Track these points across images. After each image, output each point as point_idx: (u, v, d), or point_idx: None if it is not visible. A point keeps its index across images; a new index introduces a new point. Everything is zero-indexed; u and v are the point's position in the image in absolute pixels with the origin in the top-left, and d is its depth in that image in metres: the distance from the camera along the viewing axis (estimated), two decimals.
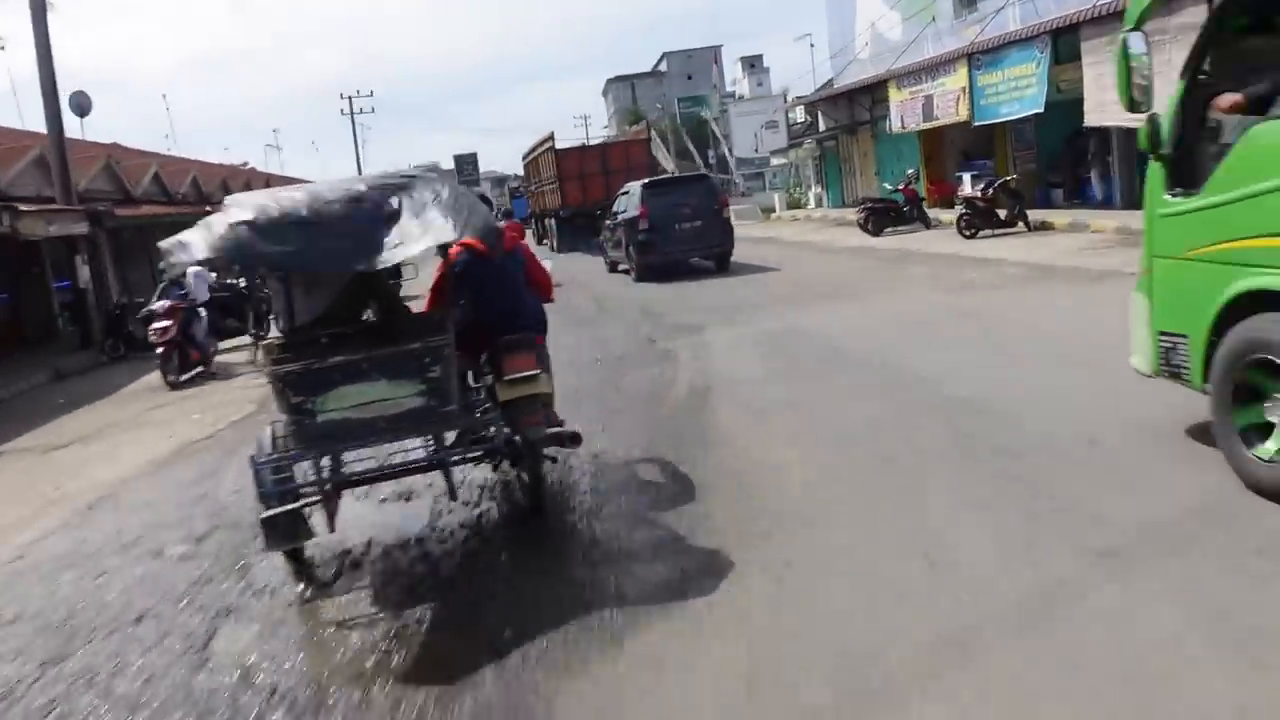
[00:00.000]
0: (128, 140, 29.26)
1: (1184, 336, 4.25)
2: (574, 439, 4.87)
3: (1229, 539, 3.53)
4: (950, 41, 22.10)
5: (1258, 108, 3.83)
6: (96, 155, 22.07)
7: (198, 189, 27.59)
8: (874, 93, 25.67)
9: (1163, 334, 4.42)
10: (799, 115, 38.46)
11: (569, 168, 26.76)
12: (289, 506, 4.09)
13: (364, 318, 5.09)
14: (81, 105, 23.27)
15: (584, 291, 15.59)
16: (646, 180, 17.76)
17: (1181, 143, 4.21)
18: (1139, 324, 4.64)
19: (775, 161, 41.08)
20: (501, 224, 19.76)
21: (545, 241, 30.03)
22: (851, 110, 28.72)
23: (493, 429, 4.61)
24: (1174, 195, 4.26)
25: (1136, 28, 4.37)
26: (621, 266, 17.78)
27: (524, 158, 35.82)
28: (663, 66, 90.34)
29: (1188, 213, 4.15)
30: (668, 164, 46.71)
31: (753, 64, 77.29)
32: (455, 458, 4.59)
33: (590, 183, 26.20)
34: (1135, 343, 4.71)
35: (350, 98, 55.31)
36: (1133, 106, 4.31)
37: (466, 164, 70.08)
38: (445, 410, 4.26)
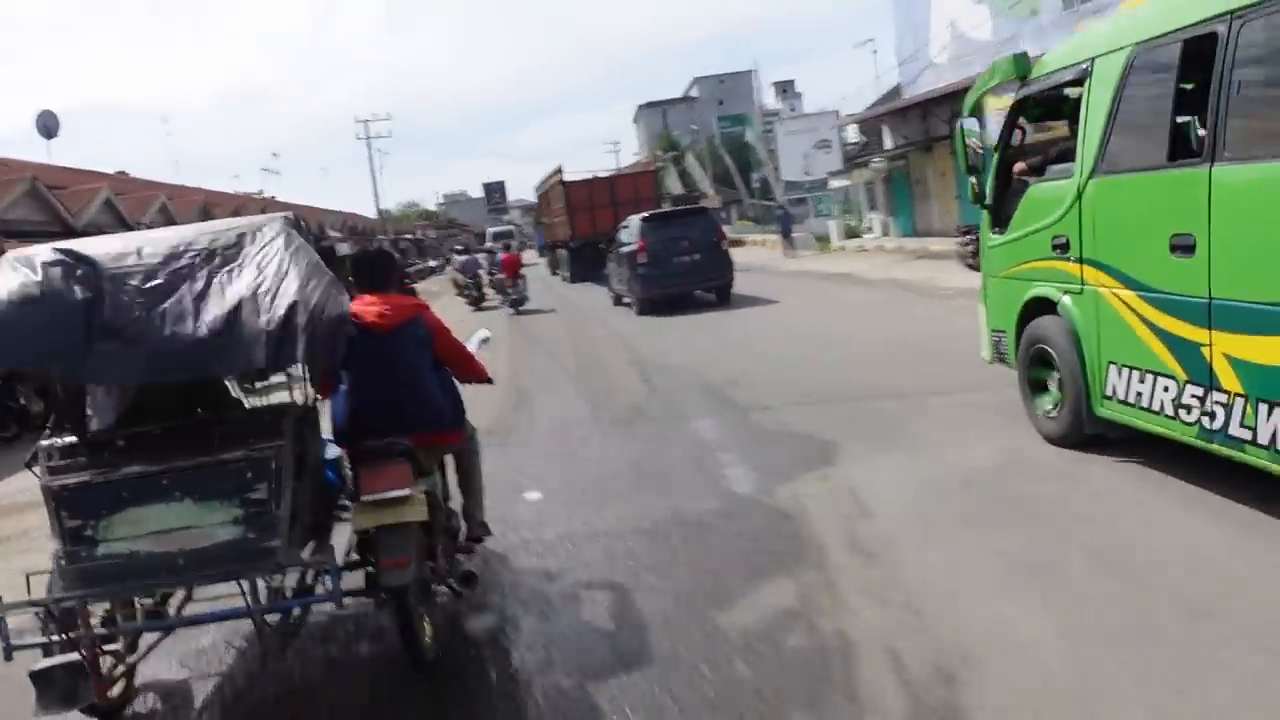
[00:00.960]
0: (136, 170, 29.68)
1: (1004, 332, 5.94)
2: (467, 580, 4.01)
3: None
4: (1057, 37, 16.48)
5: (1039, 172, 5.56)
6: (98, 187, 21.60)
7: (206, 219, 27.80)
8: (955, 102, 19.71)
9: (993, 331, 6.12)
10: (850, 135, 35.54)
11: (578, 199, 27.38)
12: (68, 658, 3.14)
13: (196, 411, 3.97)
14: (48, 126, 22.18)
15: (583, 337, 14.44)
16: (646, 214, 17.59)
17: (997, 196, 5.94)
18: (981, 325, 6.34)
19: (834, 184, 35.82)
20: (501, 255, 20.24)
21: (558, 272, 30.62)
22: (925, 124, 24.89)
23: (329, 578, 3.41)
24: (995, 233, 5.98)
25: (971, 114, 6.13)
26: (625, 299, 17.65)
27: (537, 189, 36.37)
28: (694, 92, 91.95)
29: (1000, 245, 5.87)
30: (706, 188, 44.97)
31: (785, 89, 76.73)
32: (274, 612, 3.47)
33: (599, 214, 26.48)
34: (981, 339, 6.40)
35: (366, 121, 53.29)
36: (969, 171, 6.05)
37: (495, 192, 67.92)
38: (267, 546, 3.21)
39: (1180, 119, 4.37)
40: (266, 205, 33.75)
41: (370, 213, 58.07)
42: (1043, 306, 5.44)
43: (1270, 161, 3.67)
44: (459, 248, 36.59)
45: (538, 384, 10.26)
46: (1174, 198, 4.22)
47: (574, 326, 16.32)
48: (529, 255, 36.50)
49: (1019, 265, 5.66)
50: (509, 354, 12.83)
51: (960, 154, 6.03)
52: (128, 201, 22.89)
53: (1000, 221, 5.90)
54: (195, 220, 26.81)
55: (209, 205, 26.59)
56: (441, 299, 22.78)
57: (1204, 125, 4.15)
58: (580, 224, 27.17)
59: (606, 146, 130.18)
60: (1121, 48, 4.64)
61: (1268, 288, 3.72)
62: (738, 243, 29.90)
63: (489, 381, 4.51)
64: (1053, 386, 5.46)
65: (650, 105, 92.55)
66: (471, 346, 4.56)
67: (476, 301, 22.80)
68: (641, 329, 14.33)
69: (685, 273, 16.13)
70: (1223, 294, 3.98)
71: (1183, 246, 4.16)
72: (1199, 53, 4.09)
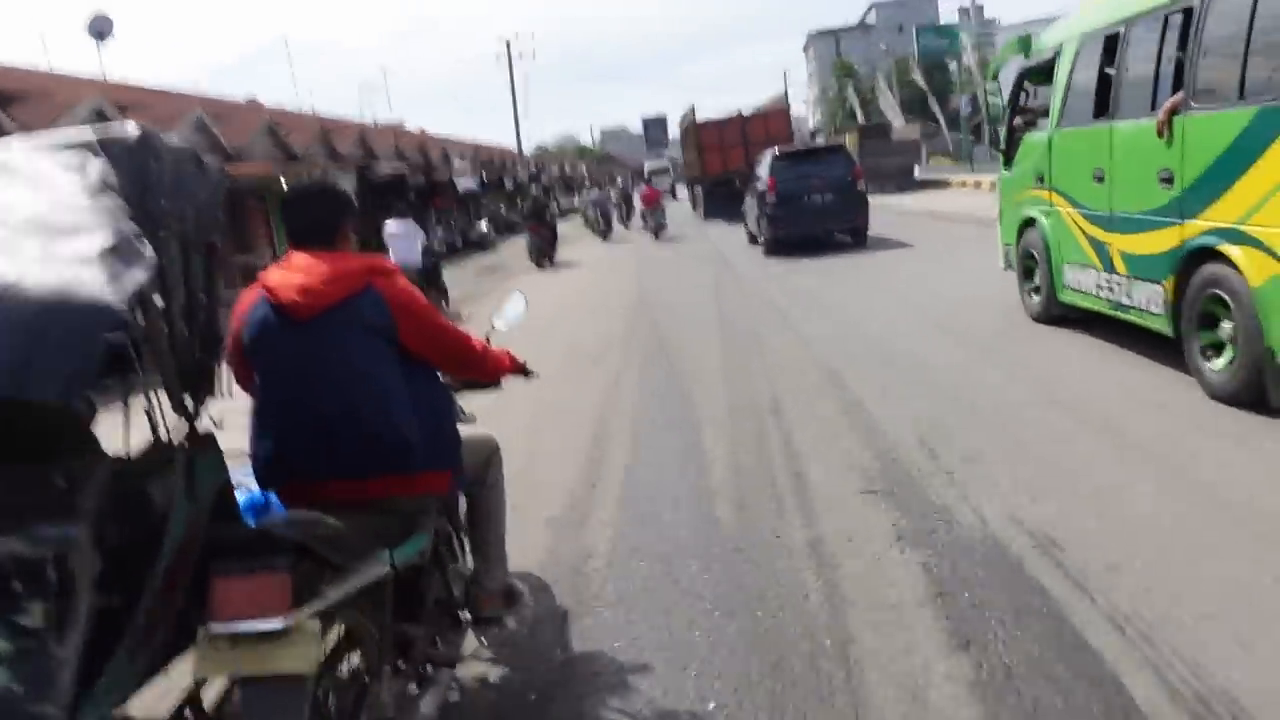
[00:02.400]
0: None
1: (1011, 245, 7.96)
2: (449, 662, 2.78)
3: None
4: None
5: (1032, 125, 7.51)
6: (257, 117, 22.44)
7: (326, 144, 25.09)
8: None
9: (1004, 245, 8.14)
10: None
11: (708, 139, 27.96)
12: None
13: None
14: (100, 30, 21.07)
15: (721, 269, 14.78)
16: (777, 151, 16.90)
17: (1007, 143, 7.92)
18: (998, 242, 8.35)
19: None
20: (639, 190, 22.86)
21: (697, 209, 30.93)
22: None
23: None
24: (1006, 170, 7.97)
25: (993, 79, 8.11)
26: (760, 238, 17.03)
27: (679, 128, 36.86)
28: (871, 18, 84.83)
29: (1008, 179, 7.88)
30: (895, 118, 38.80)
31: (970, 14, 71.60)
32: None
33: (730, 153, 27.00)
34: (998, 254, 8.41)
35: (508, 42, 47.31)
36: (990, 122, 8.05)
37: (654, 127, 61.77)
38: (33, 713, 1.67)
39: (1101, 90, 6.30)
40: (396, 133, 32.66)
41: (523, 147, 52.67)
42: (1030, 224, 7.45)
43: (1142, 120, 5.64)
44: (588, 185, 39.76)
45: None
46: (1095, 144, 6.22)
47: (690, 250, 18.43)
48: (681, 192, 37.89)
49: (1018, 194, 7.66)
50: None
51: (984, 110, 8.01)
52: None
53: (1009, 162, 7.90)
54: (314, 144, 24.59)
55: (328, 130, 25.62)
56: (583, 239, 25.56)
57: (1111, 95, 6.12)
58: (711, 163, 27.89)
59: (774, 75, 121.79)
60: (1074, 36, 6.59)
61: (1138, 203, 5.72)
62: (937, 184, 28.12)
63: (523, 373, 3.00)
64: (1037, 280, 7.49)
65: (823, 33, 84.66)
66: (499, 323, 3.28)
67: (604, 234, 25.71)
68: (752, 261, 16.32)
69: (816, 213, 15.39)
70: (1117, 208, 5.98)
71: (1098, 177, 6.17)
72: (1113, 44, 6.05)
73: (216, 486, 2.08)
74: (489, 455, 3.04)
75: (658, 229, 23.80)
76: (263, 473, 2.49)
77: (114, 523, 1.84)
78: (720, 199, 26.65)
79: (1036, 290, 7.43)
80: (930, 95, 40.46)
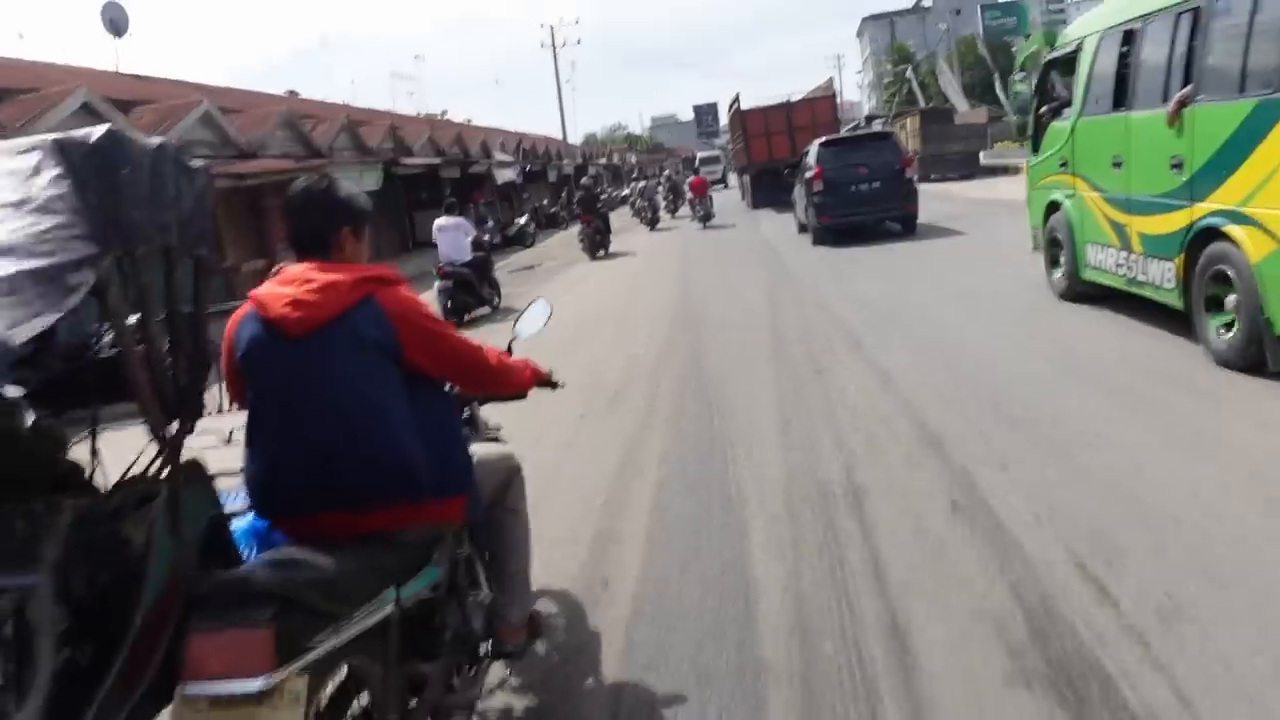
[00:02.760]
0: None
1: (1038, 227, 8.44)
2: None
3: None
4: None
5: (1057, 114, 7.98)
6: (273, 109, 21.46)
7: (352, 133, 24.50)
8: None
9: (1033, 227, 8.62)
10: None
11: (754, 127, 27.53)
12: None
13: None
14: (116, 23, 20.34)
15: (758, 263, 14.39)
16: (824, 139, 16.88)
17: (1034, 130, 8.39)
18: (1027, 225, 8.83)
19: None
20: (689, 179, 24.82)
21: (746, 198, 30.73)
22: None
23: None
24: (1033, 156, 8.45)
25: (1022, 69, 8.58)
26: (808, 227, 16.56)
27: (728, 116, 36.13)
28: (926, 1, 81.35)
29: (1035, 165, 8.36)
30: (959, 102, 36.64)
31: None
32: None
33: (776, 141, 26.68)
34: (1027, 236, 8.89)
35: (551, 27, 47.11)
36: (1018, 112, 8.54)
37: (705, 115, 60.12)
38: None
39: (1119, 82, 6.77)
40: (433, 124, 33.14)
41: (570, 137, 51.30)
42: (1055, 207, 7.93)
43: (1156, 110, 6.12)
44: (635, 175, 40.14)
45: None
46: (1114, 132, 6.70)
47: (736, 240, 19.02)
48: (732, 180, 37.94)
49: (1044, 179, 8.15)
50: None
51: (1012, 100, 8.50)
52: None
53: (1035, 149, 8.37)
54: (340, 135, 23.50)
55: (356, 122, 25.04)
56: (631, 230, 26.01)
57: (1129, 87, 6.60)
58: (756, 150, 27.60)
59: (828, 61, 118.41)
60: (1095, 32, 7.07)
61: (1153, 186, 6.20)
62: (1005, 170, 26.18)
63: (548, 385, 2.84)
64: (1062, 260, 7.98)
65: (876, 17, 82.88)
66: (521, 332, 3.19)
67: (652, 223, 26.27)
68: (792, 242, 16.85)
69: (864, 201, 15.17)
70: (1135, 192, 6.47)
71: (1117, 163, 6.66)
72: (1129, 40, 6.53)
73: (206, 520, 1.91)
74: (508, 475, 2.80)
75: (705, 218, 24.50)
76: (259, 503, 2.28)
77: (84, 569, 1.66)
78: (767, 187, 26.67)
79: (1061, 269, 7.92)
80: (996, 76, 35.71)
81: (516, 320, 3.29)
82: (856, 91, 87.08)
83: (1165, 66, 6.04)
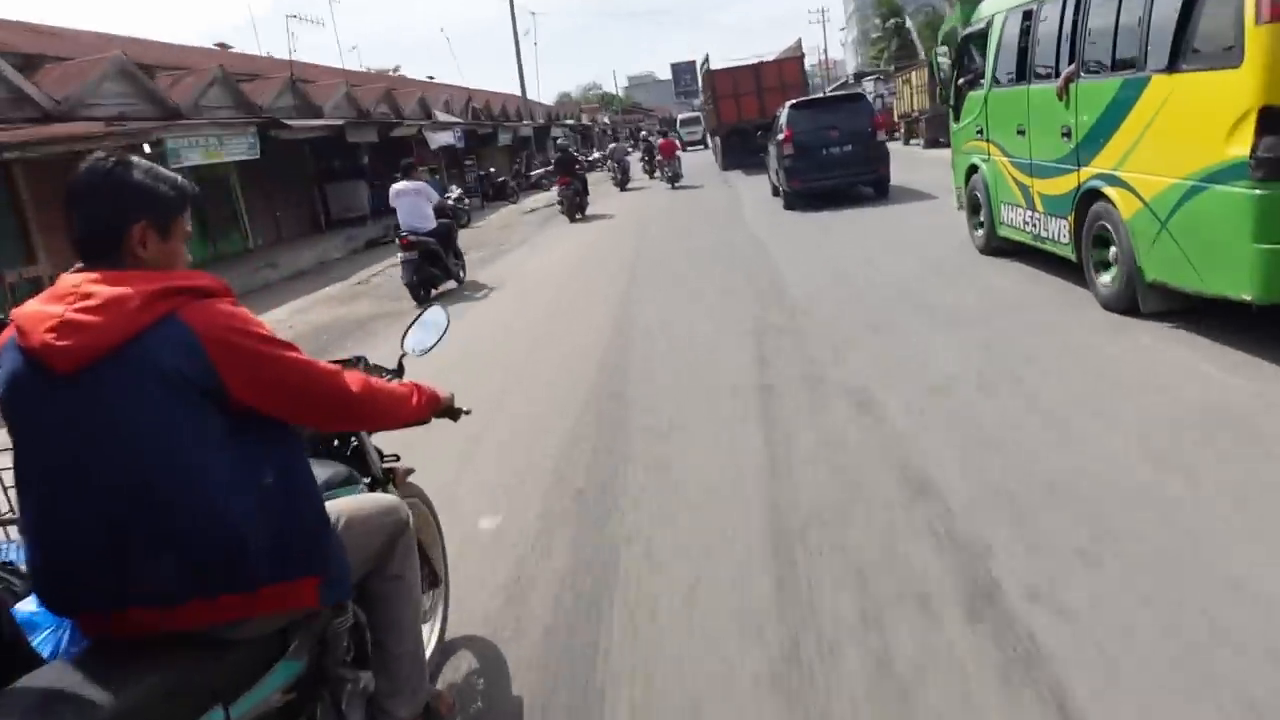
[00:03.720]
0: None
1: (961, 188, 9.24)
2: None
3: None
4: None
5: (974, 85, 8.75)
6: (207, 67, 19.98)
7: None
8: None
9: (956, 188, 9.42)
10: None
11: (723, 87, 27.88)
12: None
13: None
14: None
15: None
16: (795, 100, 16.95)
17: (955, 99, 9.16)
18: (952, 186, 9.63)
19: None
20: (660, 141, 27.80)
21: (718, 159, 30.43)
22: None
23: None
24: (956, 123, 9.23)
25: (943, 44, 9.32)
26: (780, 190, 16.53)
27: (700, 76, 36.07)
28: None
29: (957, 131, 9.14)
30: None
31: None
32: None
33: (744, 102, 27.14)
34: (953, 195, 9.69)
35: None
36: (941, 83, 9.28)
37: (684, 74, 57.58)
38: None
39: (1021, 58, 7.52)
40: (349, 79, 28.93)
41: (540, 95, 48.44)
42: (974, 170, 8.72)
43: (1048, 84, 6.88)
44: (609, 135, 39.70)
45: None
46: (1017, 103, 7.48)
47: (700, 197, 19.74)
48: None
49: (965, 144, 8.93)
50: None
51: (935, 71, 9.24)
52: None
53: (957, 117, 9.15)
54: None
55: (233, 75, 21.16)
56: (604, 191, 26.68)
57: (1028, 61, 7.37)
58: (725, 111, 27.93)
59: (812, 15, 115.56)
60: (1002, 10, 7.82)
61: (1049, 153, 6.99)
62: None
63: (448, 415, 2.38)
64: (982, 218, 8.79)
65: None
66: (413, 346, 2.81)
67: (622, 184, 27.47)
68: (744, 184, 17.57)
69: (835, 165, 15.04)
70: (1036, 157, 7.26)
71: (1020, 131, 7.45)
72: (1029, 19, 7.28)
73: None
74: (392, 535, 2.20)
75: (674, 178, 25.56)
76: (44, 594, 1.79)
77: None
78: (736, 149, 26.82)
79: (981, 226, 8.74)
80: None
81: (405, 332, 2.86)
82: (840, 50, 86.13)
83: (1056, 45, 6.81)
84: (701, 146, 45.04)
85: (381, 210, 19.29)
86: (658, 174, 27.93)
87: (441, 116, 30.16)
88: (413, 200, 11.33)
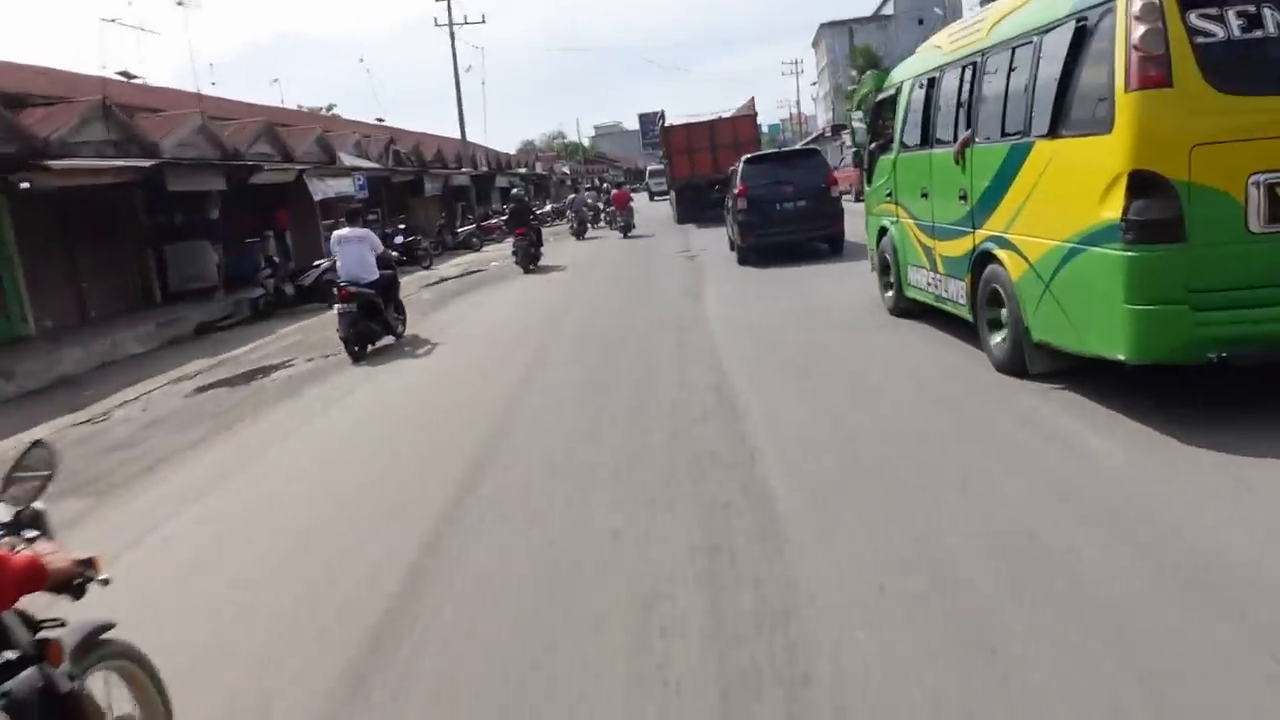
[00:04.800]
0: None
1: (874, 250, 9.36)
2: None
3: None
4: None
5: (885, 149, 8.93)
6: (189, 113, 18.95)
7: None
8: None
9: (870, 250, 9.55)
10: None
11: (677, 143, 28.12)
12: None
13: None
14: None
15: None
16: (750, 155, 17.15)
17: (868, 162, 9.34)
18: (869, 246, 9.77)
19: None
20: (613, 192, 29.09)
21: (675, 212, 30.51)
22: None
23: None
24: (869, 185, 9.39)
25: (858, 108, 9.53)
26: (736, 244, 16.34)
27: (658, 132, 35.76)
28: (888, 9, 78.76)
29: (869, 193, 9.31)
30: None
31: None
32: None
33: (698, 158, 27.34)
34: (870, 255, 9.83)
35: (446, 1, 38.38)
36: (856, 146, 9.47)
37: (651, 124, 56.55)
38: None
39: (924, 124, 7.70)
40: (330, 124, 29.14)
41: (501, 144, 45.16)
42: (884, 232, 8.85)
43: (944, 149, 7.02)
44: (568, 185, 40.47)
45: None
46: (921, 167, 7.62)
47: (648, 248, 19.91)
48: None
49: (876, 206, 9.08)
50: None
51: (851, 135, 9.41)
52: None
53: (869, 180, 9.31)
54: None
55: (274, 123, 22.81)
56: (559, 237, 27.63)
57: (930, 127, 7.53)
58: (679, 167, 28.15)
59: (786, 68, 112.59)
60: (908, 78, 8.01)
61: (948, 215, 7.10)
62: None
63: (72, 588, 2.09)
64: (891, 280, 8.89)
65: (834, 24, 77.33)
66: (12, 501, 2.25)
67: (579, 234, 28.23)
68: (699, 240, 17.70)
69: (789, 220, 14.94)
70: (937, 220, 7.38)
71: (924, 194, 7.57)
72: (931, 87, 7.46)
73: None
74: None
75: (626, 229, 26.59)
76: None
77: None
78: (691, 203, 27.45)
79: (890, 288, 8.84)
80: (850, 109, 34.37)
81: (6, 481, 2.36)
82: (811, 105, 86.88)
83: (955, 111, 6.97)
84: (668, 198, 45.42)
85: (241, 279, 17.69)
86: (610, 224, 28.97)
87: (347, 160, 25.93)
88: (356, 249, 10.77)
